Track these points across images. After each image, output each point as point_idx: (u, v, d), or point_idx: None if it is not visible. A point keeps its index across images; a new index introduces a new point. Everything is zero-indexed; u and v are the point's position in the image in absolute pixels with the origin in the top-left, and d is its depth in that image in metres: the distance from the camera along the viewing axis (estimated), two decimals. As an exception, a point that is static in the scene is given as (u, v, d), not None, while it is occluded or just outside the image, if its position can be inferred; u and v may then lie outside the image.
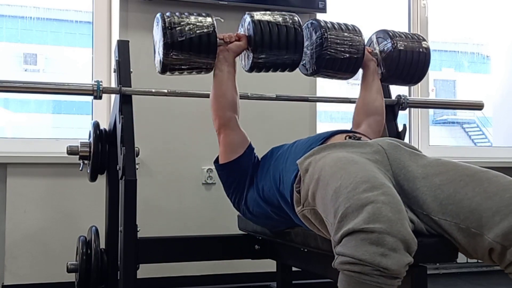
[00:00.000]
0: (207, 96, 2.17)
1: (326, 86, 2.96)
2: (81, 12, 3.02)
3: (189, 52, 1.74)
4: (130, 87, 1.97)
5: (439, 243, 1.36)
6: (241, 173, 1.84)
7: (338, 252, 1.16)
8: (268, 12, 1.87)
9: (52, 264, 2.52)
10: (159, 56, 1.78)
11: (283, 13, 1.88)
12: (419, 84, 3.34)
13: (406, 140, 2.63)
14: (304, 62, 2.00)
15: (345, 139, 1.61)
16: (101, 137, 2.04)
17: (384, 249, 1.10)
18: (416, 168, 1.44)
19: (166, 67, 1.77)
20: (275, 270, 2.20)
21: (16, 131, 3.11)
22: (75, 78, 3.03)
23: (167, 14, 1.76)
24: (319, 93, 2.95)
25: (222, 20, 1.84)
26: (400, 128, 2.27)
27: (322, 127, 3.01)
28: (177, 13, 1.77)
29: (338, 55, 1.91)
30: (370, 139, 1.70)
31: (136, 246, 1.81)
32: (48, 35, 3.17)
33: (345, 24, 1.97)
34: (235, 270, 2.67)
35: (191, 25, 1.74)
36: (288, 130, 2.79)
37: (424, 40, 2.10)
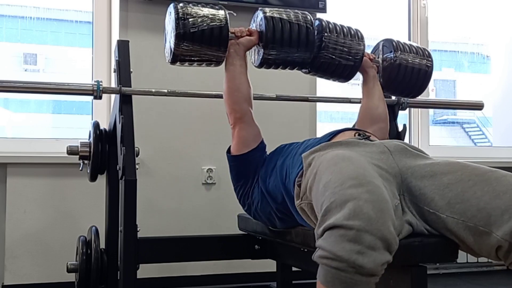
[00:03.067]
0: (207, 96, 2.18)
1: (326, 86, 2.96)
2: (81, 12, 3.02)
3: (201, 44, 1.74)
4: (130, 87, 1.97)
5: (439, 243, 1.36)
6: (250, 168, 1.84)
7: (318, 245, 1.17)
8: (281, 9, 1.87)
9: (52, 264, 2.52)
10: (170, 46, 1.78)
11: (296, 11, 1.89)
12: (419, 84, 3.36)
13: (406, 140, 2.63)
14: None
15: (354, 135, 1.62)
16: (101, 137, 2.04)
17: (361, 247, 1.10)
18: (423, 167, 1.44)
19: (177, 58, 1.77)
20: (275, 270, 2.20)
21: (16, 131, 3.11)
22: (75, 78, 3.03)
23: (181, 4, 1.76)
24: (319, 93, 2.95)
25: (235, 14, 1.84)
26: (400, 128, 2.27)
27: (322, 127, 3.01)
28: (190, 4, 1.77)
29: (333, 60, 1.91)
30: (377, 138, 1.70)
31: (136, 246, 1.81)
32: (48, 35, 3.17)
33: (349, 28, 1.96)
34: (235, 270, 2.67)
35: (204, 17, 1.74)
36: (288, 130, 2.79)
37: (429, 56, 2.09)
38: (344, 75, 1.98)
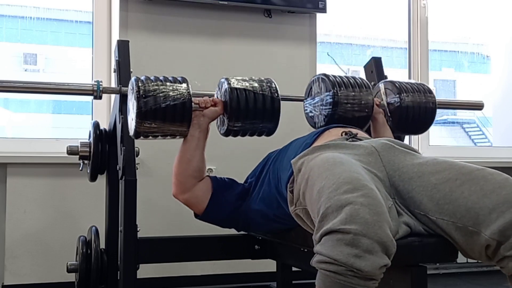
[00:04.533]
0: (207, 96, 2.18)
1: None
2: (81, 12, 3.02)
3: (163, 121, 1.71)
4: (130, 87, 1.96)
5: (438, 243, 1.36)
6: (224, 207, 1.86)
7: (316, 251, 1.18)
8: (245, 78, 1.86)
9: (52, 264, 2.52)
10: (132, 122, 1.74)
11: (261, 79, 1.88)
12: (419, 84, 3.36)
13: (406, 140, 2.63)
14: (312, 115, 2.02)
15: (341, 135, 1.62)
16: (101, 137, 2.04)
17: (358, 251, 1.11)
18: (411, 167, 1.44)
19: (139, 134, 1.74)
20: (275, 270, 2.20)
21: (16, 131, 3.11)
22: (75, 78, 3.03)
23: (142, 79, 1.73)
24: (319, 93, 2.95)
25: (199, 85, 1.82)
26: (400, 128, 2.27)
27: (322, 127, 3.00)
28: (152, 78, 1.74)
29: (347, 114, 1.91)
30: (369, 134, 1.71)
31: (136, 246, 1.81)
32: (48, 35, 3.17)
33: (354, 79, 1.97)
34: (235, 270, 2.67)
35: (166, 93, 1.70)
36: (288, 130, 2.78)
37: (430, 92, 2.12)
38: (358, 125, 1.97)
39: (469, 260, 3.01)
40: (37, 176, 2.57)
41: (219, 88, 1.90)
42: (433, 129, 3.64)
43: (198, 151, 1.82)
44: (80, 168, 2.07)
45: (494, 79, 3.93)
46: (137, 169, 1.81)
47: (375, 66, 2.43)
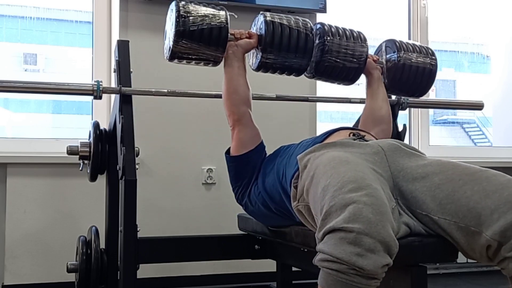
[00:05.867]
0: (207, 96, 2.18)
1: (326, 86, 2.96)
2: (81, 12, 3.02)
3: (199, 42, 1.74)
4: (130, 87, 1.97)
5: (439, 243, 1.36)
6: (248, 168, 1.85)
7: (319, 249, 1.18)
8: (282, 15, 1.87)
9: (52, 264, 2.52)
10: (169, 42, 1.78)
11: (297, 17, 1.89)
12: (419, 84, 3.36)
13: (406, 140, 2.63)
14: None
15: (349, 136, 1.62)
16: (101, 137, 2.04)
17: (361, 249, 1.11)
18: (415, 168, 1.44)
19: (175, 55, 1.77)
20: (275, 270, 2.20)
21: (16, 131, 3.11)
22: (75, 78, 3.03)
23: (183, 2, 1.76)
24: (319, 93, 2.95)
25: (236, 16, 1.85)
26: (400, 128, 2.27)
27: (322, 127, 3.00)
28: (192, 3, 1.77)
29: (337, 63, 1.91)
30: (375, 137, 1.71)
31: (136, 246, 1.81)
32: (48, 35, 3.17)
33: (351, 31, 1.96)
34: (235, 270, 2.67)
35: (205, 16, 1.74)
36: (288, 130, 2.79)
37: (432, 54, 2.08)
38: (348, 78, 1.98)
39: (469, 260, 3.00)
40: (37, 176, 2.57)
41: (254, 24, 1.91)
42: (433, 129, 3.64)
43: (241, 78, 1.84)
44: (80, 168, 2.07)
45: (494, 79, 3.93)
46: (137, 169, 1.80)
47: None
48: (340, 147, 1.50)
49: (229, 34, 1.79)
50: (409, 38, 3.38)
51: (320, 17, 2.92)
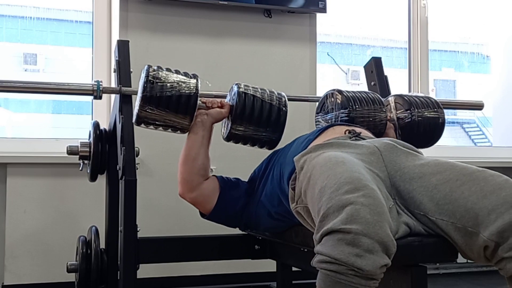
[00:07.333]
0: (207, 96, 2.18)
1: (326, 86, 2.96)
2: (81, 12, 3.03)
3: (166, 109, 1.72)
4: (130, 87, 1.97)
5: (439, 243, 1.36)
6: (232, 205, 1.87)
7: (317, 251, 1.18)
8: (257, 87, 1.87)
9: (52, 264, 2.52)
10: (136, 107, 1.76)
11: (273, 90, 1.89)
12: (419, 84, 3.37)
13: (406, 140, 2.63)
14: None
15: (345, 133, 1.62)
16: (101, 137, 2.04)
17: (359, 250, 1.11)
18: (412, 168, 1.44)
19: (141, 120, 1.76)
20: (275, 270, 2.20)
21: (16, 131, 3.11)
22: (75, 78, 3.03)
23: (155, 67, 1.75)
24: (319, 93, 2.95)
25: (210, 85, 1.83)
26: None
27: (322, 127, 3.00)
28: (165, 68, 1.76)
29: None
30: (371, 134, 1.71)
31: (136, 246, 1.81)
32: (48, 35, 3.17)
33: (366, 94, 1.96)
34: (235, 270, 2.67)
35: (174, 83, 1.72)
36: (288, 130, 2.78)
37: (438, 106, 2.12)
38: None
39: (469, 260, 3.01)
40: (37, 176, 2.57)
41: (229, 93, 1.91)
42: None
43: (202, 149, 1.83)
44: (80, 168, 2.07)
45: (494, 79, 3.93)
46: (137, 169, 1.80)
47: (375, 66, 2.43)
48: (336, 148, 1.50)
49: (200, 102, 1.78)
50: (409, 38, 3.38)
51: (320, 17, 2.92)
